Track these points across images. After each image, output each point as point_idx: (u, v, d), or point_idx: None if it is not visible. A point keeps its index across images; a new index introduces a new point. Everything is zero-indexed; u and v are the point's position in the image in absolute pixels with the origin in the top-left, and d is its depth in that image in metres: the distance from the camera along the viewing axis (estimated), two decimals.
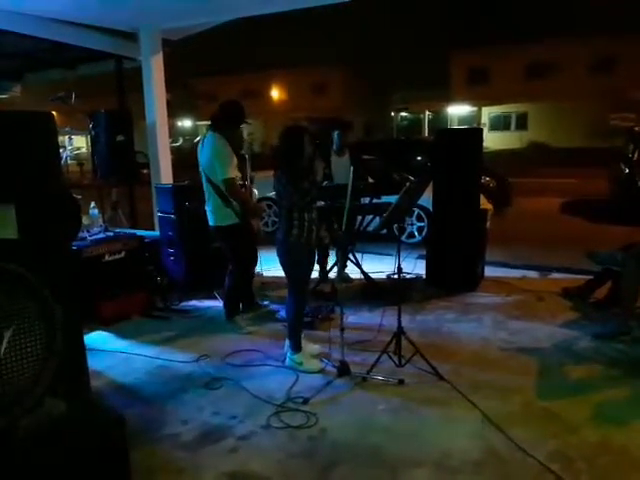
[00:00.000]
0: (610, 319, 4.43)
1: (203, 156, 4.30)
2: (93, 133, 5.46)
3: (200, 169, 4.35)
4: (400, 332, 3.79)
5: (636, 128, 10.86)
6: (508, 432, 2.93)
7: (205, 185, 4.35)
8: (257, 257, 4.73)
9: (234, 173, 4.23)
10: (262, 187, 5.26)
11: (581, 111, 26.62)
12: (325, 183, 5.28)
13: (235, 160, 4.29)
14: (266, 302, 5.00)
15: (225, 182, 4.17)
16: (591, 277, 5.08)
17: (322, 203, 4.58)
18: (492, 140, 26.85)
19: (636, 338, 4.08)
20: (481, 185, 6.09)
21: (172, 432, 3.06)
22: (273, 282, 5.55)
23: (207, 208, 4.41)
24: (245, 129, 4.69)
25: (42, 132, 2.62)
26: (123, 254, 4.91)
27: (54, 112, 2.86)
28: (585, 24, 26.36)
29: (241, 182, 4.42)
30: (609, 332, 4.22)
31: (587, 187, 12.12)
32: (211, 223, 4.42)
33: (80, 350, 2.96)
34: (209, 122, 4.38)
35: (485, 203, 6.92)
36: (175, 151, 12.16)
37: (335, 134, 5.51)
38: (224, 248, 4.49)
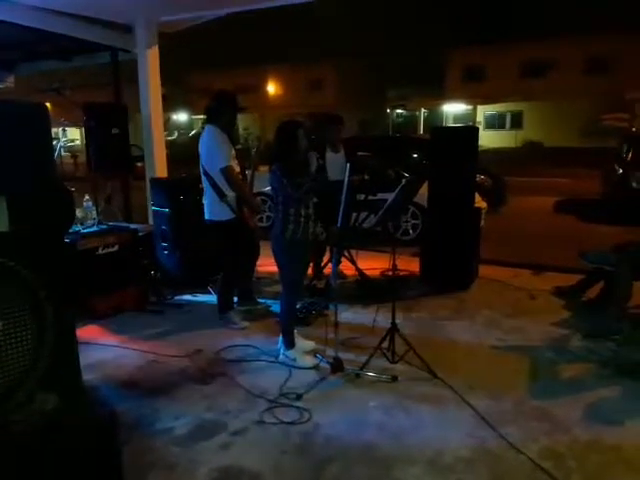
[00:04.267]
0: (602, 318, 4.45)
1: (202, 149, 4.30)
2: (88, 125, 5.41)
3: (200, 162, 4.35)
4: (394, 329, 3.80)
5: (633, 129, 10.91)
6: (500, 430, 2.95)
7: (203, 178, 4.35)
8: (258, 252, 4.72)
9: (232, 163, 4.22)
10: (257, 182, 5.21)
11: (576, 110, 26.75)
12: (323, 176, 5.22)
13: (233, 151, 4.28)
14: (262, 301, 4.97)
15: (223, 171, 4.17)
16: (583, 276, 5.10)
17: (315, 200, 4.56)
18: (487, 138, 26.93)
19: (627, 337, 4.11)
20: (476, 183, 6.10)
21: (165, 427, 3.05)
22: (267, 277, 5.54)
23: (204, 202, 4.42)
24: (240, 123, 4.67)
25: (35, 123, 2.60)
26: (116, 247, 4.88)
27: (48, 104, 2.83)
28: (581, 23, 26.49)
29: (240, 175, 4.40)
30: (601, 331, 4.24)
31: (580, 186, 12.20)
32: (206, 217, 4.42)
33: (72, 344, 2.94)
34: (204, 115, 4.38)
35: (480, 201, 6.93)
36: (170, 145, 12.13)
37: (327, 130, 5.49)
38: (218, 242, 4.48)
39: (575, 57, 27.69)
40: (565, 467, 2.66)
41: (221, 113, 4.31)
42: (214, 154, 4.20)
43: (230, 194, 4.25)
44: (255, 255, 4.72)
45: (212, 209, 4.36)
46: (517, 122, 31.11)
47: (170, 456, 2.79)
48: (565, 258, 5.84)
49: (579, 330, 4.36)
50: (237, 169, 4.35)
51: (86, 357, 3.54)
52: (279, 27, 31.60)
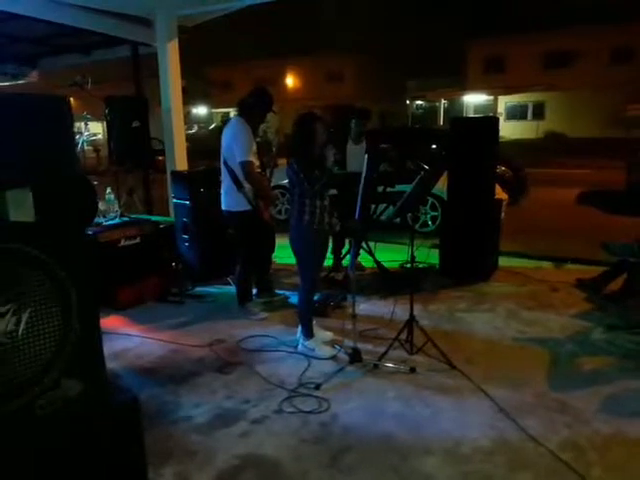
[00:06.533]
0: (625, 311, 4.39)
1: (225, 139, 4.34)
2: (109, 119, 5.49)
3: (221, 152, 4.39)
4: (412, 320, 3.80)
5: None
6: (520, 421, 2.93)
7: (222, 168, 4.39)
8: (274, 244, 4.75)
9: (252, 158, 4.25)
10: (275, 175, 5.23)
11: (599, 101, 26.21)
12: (336, 169, 5.22)
13: (255, 146, 4.32)
14: (281, 292, 5.01)
15: (242, 165, 4.20)
16: (606, 268, 5.03)
17: (334, 191, 4.56)
18: (508, 129, 26.55)
19: None
20: (496, 175, 6.04)
21: (185, 415, 3.10)
22: (286, 269, 5.57)
23: (222, 191, 4.47)
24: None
25: (58, 115, 2.64)
26: (138, 239, 4.95)
27: (71, 98, 2.88)
28: (604, 13, 25.84)
29: (259, 169, 4.43)
30: (623, 324, 4.19)
31: (604, 178, 11.97)
32: (223, 207, 4.47)
33: (96, 333, 2.99)
34: (237, 106, 4.42)
35: (500, 193, 6.86)
36: (190, 138, 12.20)
37: (353, 122, 5.48)
38: (235, 233, 4.53)
39: (599, 47, 27.14)
40: (586, 459, 2.64)
41: (254, 110, 4.36)
42: (236, 146, 4.23)
43: (247, 185, 4.28)
44: (271, 246, 4.75)
45: (229, 199, 4.40)
46: (539, 113, 30.62)
47: (190, 444, 2.83)
48: (588, 250, 5.76)
49: (601, 323, 4.31)
50: (257, 163, 4.38)
51: (109, 346, 3.60)
52: (298, 20, 31.52)
